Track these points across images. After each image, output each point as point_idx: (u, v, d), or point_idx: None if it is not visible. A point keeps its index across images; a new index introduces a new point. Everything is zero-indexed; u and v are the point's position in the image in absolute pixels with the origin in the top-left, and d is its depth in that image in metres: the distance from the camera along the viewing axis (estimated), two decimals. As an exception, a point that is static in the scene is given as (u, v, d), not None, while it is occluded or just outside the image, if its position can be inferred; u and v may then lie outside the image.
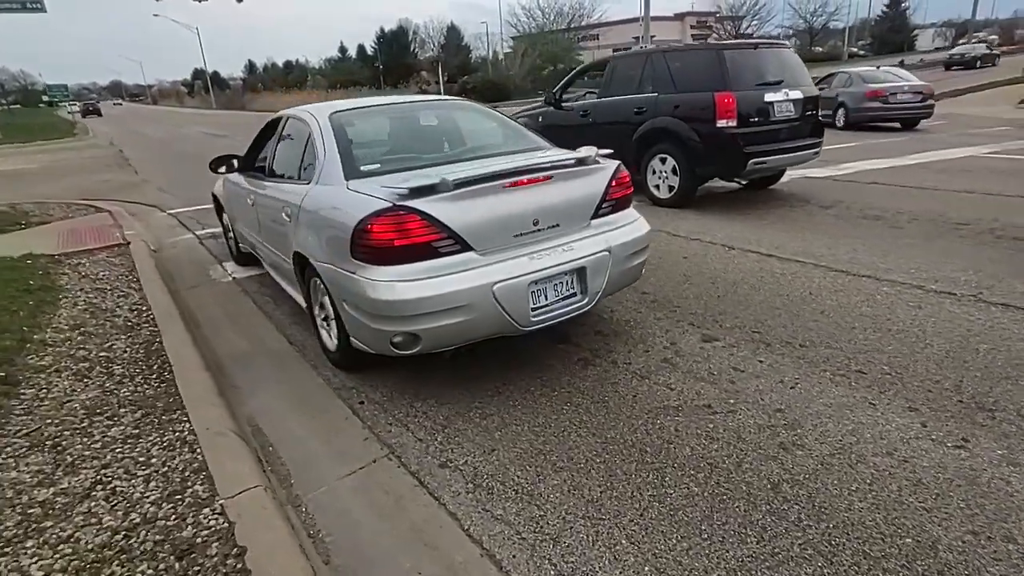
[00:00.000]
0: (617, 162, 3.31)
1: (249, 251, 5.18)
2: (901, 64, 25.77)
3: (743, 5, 54.60)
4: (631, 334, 3.63)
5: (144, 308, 4.43)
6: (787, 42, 7.33)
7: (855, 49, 60.88)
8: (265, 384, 3.34)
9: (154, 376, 3.33)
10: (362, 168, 3.17)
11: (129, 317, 4.26)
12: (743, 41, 6.82)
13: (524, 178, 2.90)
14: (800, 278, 4.36)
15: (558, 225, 3.04)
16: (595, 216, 3.19)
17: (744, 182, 7.66)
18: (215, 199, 5.67)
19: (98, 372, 3.39)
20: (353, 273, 2.76)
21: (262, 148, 4.76)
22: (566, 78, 9.03)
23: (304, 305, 3.69)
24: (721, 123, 6.03)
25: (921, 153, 9.78)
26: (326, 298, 3.24)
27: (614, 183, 3.25)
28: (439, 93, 40.52)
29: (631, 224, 3.31)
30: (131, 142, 22.96)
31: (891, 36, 65.42)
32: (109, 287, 4.98)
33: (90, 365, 3.48)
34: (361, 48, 74.21)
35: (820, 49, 57.62)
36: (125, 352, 3.65)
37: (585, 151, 3.16)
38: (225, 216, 5.56)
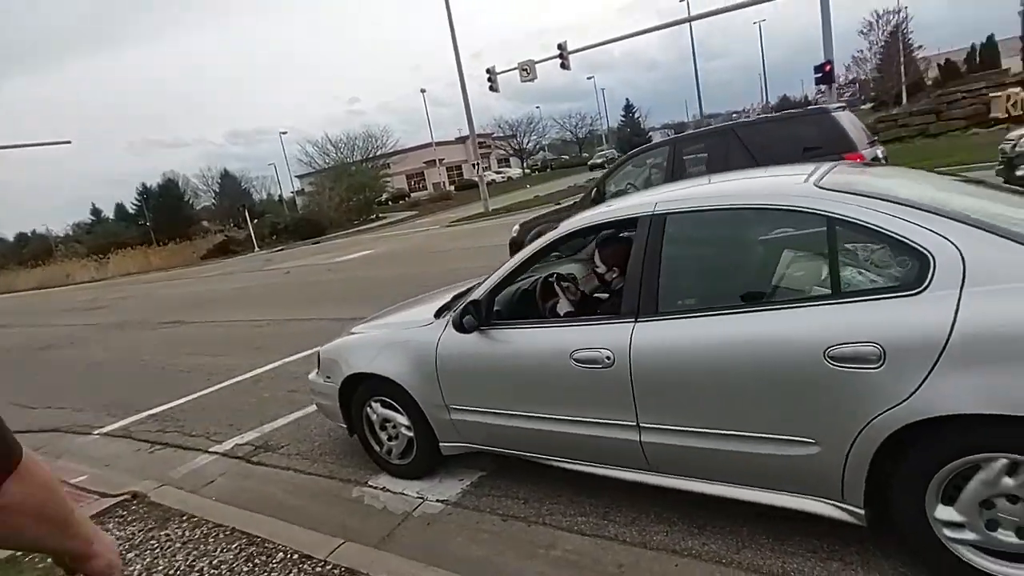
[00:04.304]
0: None
1: (465, 449, 3.23)
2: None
3: (519, 124, 60.85)
4: None
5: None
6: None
7: (612, 150, 70.71)
8: None
9: None
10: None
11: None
12: (836, 103, 6.74)
13: None
14: None
15: None
16: None
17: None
18: (347, 386, 3.57)
19: None
20: None
21: (519, 278, 3.08)
22: (609, 169, 8.29)
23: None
24: (857, 184, 5.68)
25: None
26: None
27: None
28: (250, 238, 37.24)
29: None
30: None
31: (634, 138, 78.09)
32: (266, 588, 2.63)
33: None
34: (120, 207, 66.33)
35: (588, 155, 65.96)
36: None
37: None
38: (377, 407, 3.48)
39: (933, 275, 1.92)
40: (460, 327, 2.90)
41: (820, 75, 18.61)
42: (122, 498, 3.82)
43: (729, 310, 2.29)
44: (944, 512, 1.97)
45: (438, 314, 3.30)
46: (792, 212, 2.24)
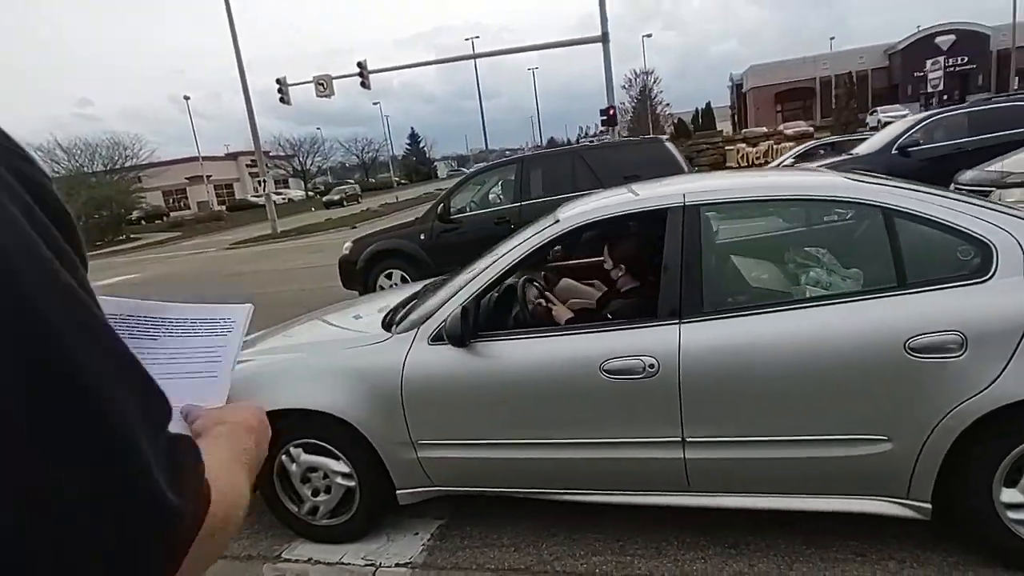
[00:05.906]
0: None
1: (433, 493, 2.61)
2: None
3: (301, 144, 57.40)
4: None
5: None
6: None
7: (397, 178, 70.61)
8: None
9: None
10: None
11: None
12: (658, 135, 7.28)
13: None
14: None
15: None
16: None
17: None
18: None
19: None
20: None
21: (486, 290, 2.60)
22: (451, 187, 7.89)
23: None
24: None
25: None
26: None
27: None
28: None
29: None
30: None
31: (419, 166, 79.26)
32: None
33: None
34: None
35: (374, 180, 64.78)
36: None
37: None
38: (299, 454, 2.65)
39: (997, 263, 1.98)
40: (458, 340, 2.31)
41: (605, 118, 20.75)
42: None
43: (790, 306, 2.14)
44: (1008, 495, 2.02)
45: (388, 327, 2.65)
46: (844, 204, 2.18)
